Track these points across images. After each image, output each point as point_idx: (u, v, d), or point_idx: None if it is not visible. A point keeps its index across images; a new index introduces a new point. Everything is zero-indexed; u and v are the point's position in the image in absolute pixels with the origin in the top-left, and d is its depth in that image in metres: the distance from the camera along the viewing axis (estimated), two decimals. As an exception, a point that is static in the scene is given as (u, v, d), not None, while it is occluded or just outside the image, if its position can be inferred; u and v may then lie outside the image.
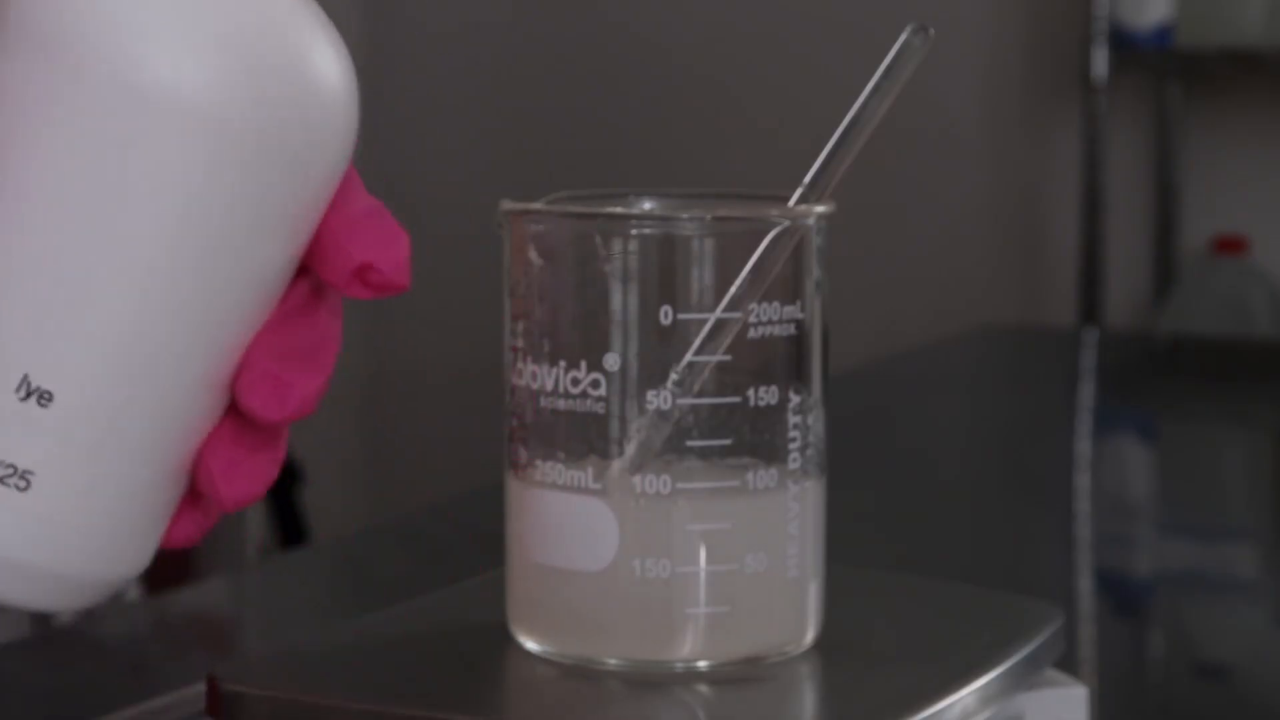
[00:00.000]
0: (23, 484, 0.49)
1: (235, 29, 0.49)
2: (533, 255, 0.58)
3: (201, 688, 0.58)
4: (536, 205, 0.59)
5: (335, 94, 0.51)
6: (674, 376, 0.56)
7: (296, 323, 0.53)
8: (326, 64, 0.51)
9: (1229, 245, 2.70)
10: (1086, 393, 1.73)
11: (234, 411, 0.53)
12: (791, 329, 0.57)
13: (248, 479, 0.53)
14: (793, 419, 0.57)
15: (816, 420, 0.58)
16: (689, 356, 0.56)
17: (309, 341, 0.53)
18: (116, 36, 0.48)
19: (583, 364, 0.56)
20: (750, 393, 0.57)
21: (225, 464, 0.52)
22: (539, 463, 0.57)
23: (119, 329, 0.49)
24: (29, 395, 0.48)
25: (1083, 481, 1.33)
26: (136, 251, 0.49)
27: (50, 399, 0.48)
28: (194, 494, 0.54)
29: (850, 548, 0.64)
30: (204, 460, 0.52)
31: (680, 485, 0.56)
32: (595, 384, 0.56)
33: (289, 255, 0.51)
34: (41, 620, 0.53)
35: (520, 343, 0.58)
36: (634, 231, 0.56)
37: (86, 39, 0.48)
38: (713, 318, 0.56)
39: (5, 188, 0.49)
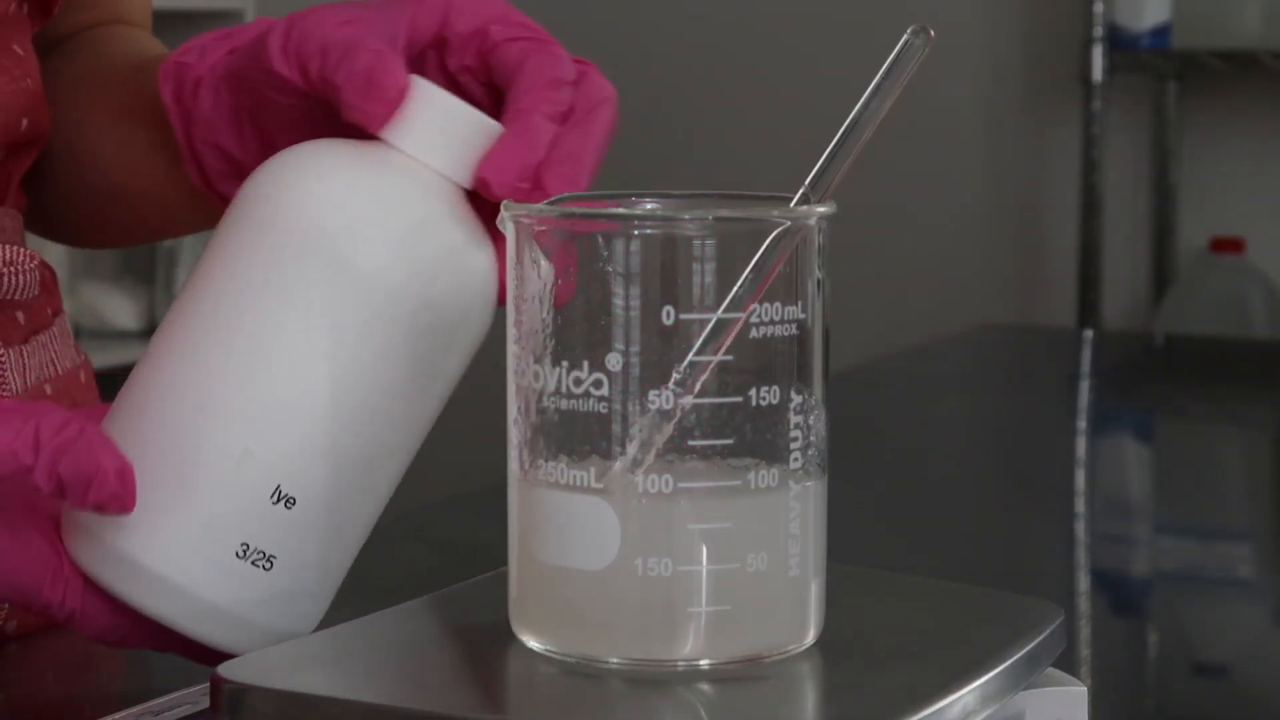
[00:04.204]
0: (268, 565, 0.63)
1: (412, 227, 0.63)
2: (535, 255, 0.58)
3: (203, 687, 0.58)
4: (539, 206, 0.59)
5: (481, 278, 0.64)
6: (676, 376, 0.56)
7: None
8: (475, 255, 0.64)
9: (1226, 245, 2.71)
10: (1084, 392, 1.73)
11: None
12: (793, 329, 0.58)
13: None
14: (794, 419, 0.57)
15: (818, 420, 0.58)
16: (691, 356, 0.56)
17: None
18: (328, 228, 0.63)
19: (585, 364, 0.57)
20: (752, 392, 0.57)
21: None
22: (542, 462, 0.58)
23: (343, 454, 0.63)
24: (279, 500, 0.63)
25: (1081, 481, 1.33)
26: (359, 397, 0.63)
27: (294, 503, 0.63)
28: None
29: (851, 547, 0.64)
30: None
31: (682, 485, 0.56)
32: (598, 384, 0.56)
33: (445, 394, 0.65)
34: None
35: (523, 343, 0.58)
36: (636, 232, 0.56)
37: (307, 228, 0.63)
38: (714, 318, 0.56)
39: (258, 342, 0.63)
